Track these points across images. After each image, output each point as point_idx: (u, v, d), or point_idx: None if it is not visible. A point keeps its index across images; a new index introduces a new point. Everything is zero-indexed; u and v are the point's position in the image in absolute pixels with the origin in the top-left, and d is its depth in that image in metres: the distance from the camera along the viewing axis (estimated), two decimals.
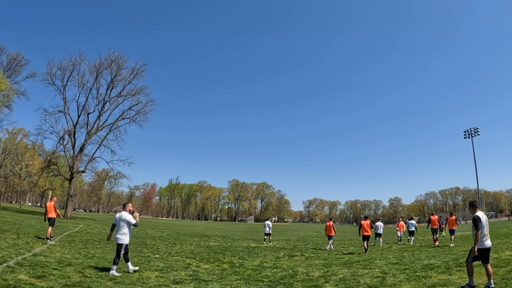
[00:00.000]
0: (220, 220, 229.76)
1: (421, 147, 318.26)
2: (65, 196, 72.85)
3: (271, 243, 32.83)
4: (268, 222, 34.43)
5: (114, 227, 13.72)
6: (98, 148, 69.47)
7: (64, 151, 67.29)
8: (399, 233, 34.80)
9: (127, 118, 71.13)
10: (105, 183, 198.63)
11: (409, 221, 33.83)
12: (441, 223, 36.75)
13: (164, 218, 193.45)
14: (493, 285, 9.98)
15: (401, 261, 17.45)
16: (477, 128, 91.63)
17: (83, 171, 69.31)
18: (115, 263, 13.06)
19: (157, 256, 19.31)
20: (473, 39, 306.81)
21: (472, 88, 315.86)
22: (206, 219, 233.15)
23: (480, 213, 10.48)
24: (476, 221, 10.31)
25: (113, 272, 12.80)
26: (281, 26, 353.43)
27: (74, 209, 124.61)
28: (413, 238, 32.79)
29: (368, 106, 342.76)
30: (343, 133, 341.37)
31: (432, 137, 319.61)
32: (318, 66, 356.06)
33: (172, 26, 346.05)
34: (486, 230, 10.34)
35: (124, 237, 13.36)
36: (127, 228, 13.53)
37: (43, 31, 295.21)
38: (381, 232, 31.38)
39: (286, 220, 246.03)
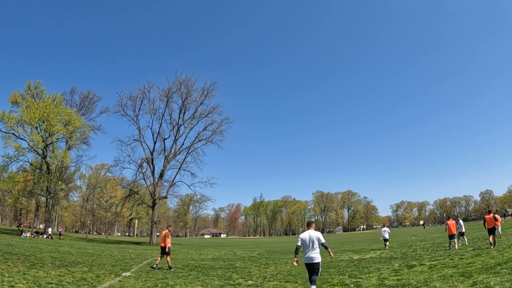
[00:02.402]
0: None
1: (509, 132, 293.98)
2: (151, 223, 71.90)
3: (387, 249, 32.40)
4: (385, 228, 35.17)
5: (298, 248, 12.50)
6: (177, 172, 69.11)
7: (144, 179, 67.25)
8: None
9: (203, 139, 70.28)
10: (190, 208, 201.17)
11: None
12: None
13: (251, 237, 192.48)
14: None
15: None
16: None
17: (165, 197, 68.60)
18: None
19: (250, 283, 16.14)
20: None
21: None
22: (293, 233, 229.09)
23: None
24: None
25: None
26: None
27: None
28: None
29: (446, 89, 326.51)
30: (424, 121, 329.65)
31: None
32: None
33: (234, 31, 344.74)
34: None
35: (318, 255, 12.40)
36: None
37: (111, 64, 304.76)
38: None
39: (375, 227, 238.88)
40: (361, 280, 14.85)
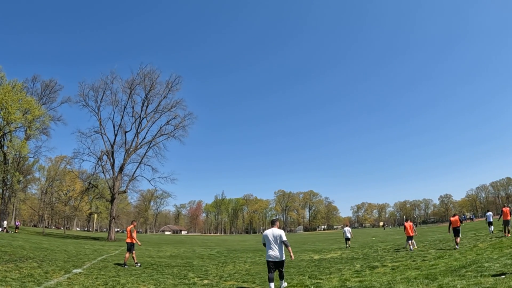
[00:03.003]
0: None
1: (469, 139, 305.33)
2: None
3: (349, 247, 34.50)
4: (347, 228, 36.93)
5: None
6: (138, 166, 66.90)
7: (104, 172, 65.24)
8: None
9: (166, 134, 68.68)
10: (151, 204, 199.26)
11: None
12: None
13: (212, 235, 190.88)
14: None
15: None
16: None
17: (124, 191, 66.80)
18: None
19: (206, 282, 15.35)
20: None
21: None
22: (254, 232, 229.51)
23: None
24: None
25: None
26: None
27: (123, 231, 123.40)
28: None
29: (404, 98, 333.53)
30: (389, 127, 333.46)
31: (482, 128, 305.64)
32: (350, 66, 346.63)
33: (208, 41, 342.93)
34: None
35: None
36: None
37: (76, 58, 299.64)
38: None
39: (335, 227, 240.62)
40: (321, 281, 14.25)
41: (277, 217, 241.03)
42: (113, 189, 62.03)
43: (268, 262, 12.42)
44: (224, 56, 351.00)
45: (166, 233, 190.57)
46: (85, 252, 29.82)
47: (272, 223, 13.14)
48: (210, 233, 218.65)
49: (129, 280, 15.12)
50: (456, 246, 23.53)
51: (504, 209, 27.88)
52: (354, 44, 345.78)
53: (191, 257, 29.74)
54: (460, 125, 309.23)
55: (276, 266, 12.36)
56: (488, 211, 38.72)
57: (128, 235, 21.33)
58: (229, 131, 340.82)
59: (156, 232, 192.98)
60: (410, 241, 26.49)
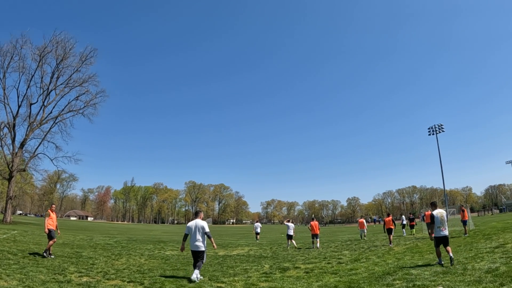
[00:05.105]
0: (177, 223, 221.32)
1: (379, 146, 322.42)
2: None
3: (258, 241, 36.53)
4: (258, 223, 39.66)
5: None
6: (41, 143, 62.03)
7: (1, 146, 58.98)
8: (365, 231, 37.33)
9: (74, 110, 63.61)
10: (57, 186, 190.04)
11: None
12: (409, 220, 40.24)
13: (120, 222, 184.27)
14: (453, 260, 13.22)
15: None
16: (442, 125, 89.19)
17: (23, 170, 61.20)
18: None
19: (84, 280, 12.33)
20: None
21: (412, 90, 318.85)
22: (163, 222, 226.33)
23: (435, 211, 14.19)
24: (431, 217, 14.14)
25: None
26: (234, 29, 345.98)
27: (25, 214, 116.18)
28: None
29: (323, 104, 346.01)
30: (300, 133, 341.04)
31: (390, 136, 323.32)
32: (272, 66, 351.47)
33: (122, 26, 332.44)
34: (440, 223, 13.96)
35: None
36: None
37: None
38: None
39: (244, 221, 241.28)
40: (223, 285, 11.83)
41: (186, 208, 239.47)
42: (12, 166, 56.46)
43: (192, 251, 12.98)
44: (148, 42, 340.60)
45: (72, 218, 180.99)
46: None
47: (196, 214, 13.80)
48: (117, 221, 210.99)
49: None
50: (390, 244, 26.09)
51: (463, 209, 30.11)
52: (274, 48, 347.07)
53: (84, 246, 26.63)
54: (373, 134, 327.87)
55: (197, 256, 12.85)
56: (401, 214, 41.28)
57: (48, 222, 18.71)
58: (147, 120, 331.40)
59: (62, 217, 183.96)
60: (315, 239, 27.31)
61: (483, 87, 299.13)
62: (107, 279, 12.62)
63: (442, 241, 13.85)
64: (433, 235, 14.06)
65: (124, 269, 15.39)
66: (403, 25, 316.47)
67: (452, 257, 13.30)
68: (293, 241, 28.66)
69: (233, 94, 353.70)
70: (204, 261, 13.07)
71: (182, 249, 13.66)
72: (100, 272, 14.21)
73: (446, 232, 13.91)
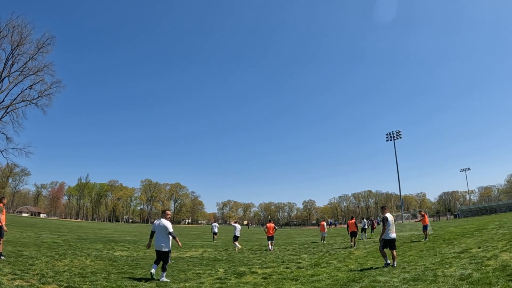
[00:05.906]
0: (132, 222, 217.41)
1: (337, 151, 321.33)
2: None
3: (215, 241, 37.42)
4: (215, 223, 42.55)
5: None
6: None
7: None
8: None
9: (27, 100, 60.48)
10: (9, 181, 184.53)
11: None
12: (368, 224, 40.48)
13: (73, 220, 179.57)
14: (395, 265, 14.34)
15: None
16: (400, 131, 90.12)
17: None
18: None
19: (17, 283, 10.88)
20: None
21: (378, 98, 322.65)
22: (117, 220, 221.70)
23: (388, 215, 15.08)
24: (384, 220, 14.97)
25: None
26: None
27: None
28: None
29: (286, 111, 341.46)
30: (256, 132, 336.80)
31: (347, 142, 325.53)
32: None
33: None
34: (391, 226, 14.85)
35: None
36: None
37: None
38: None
39: (200, 222, 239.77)
40: None
41: (142, 207, 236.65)
42: None
43: (156, 251, 13.07)
44: (101, 29, 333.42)
45: (24, 214, 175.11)
46: None
47: (162, 214, 13.92)
48: (70, 218, 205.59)
49: None
50: (352, 244, 27.57)
51: (423, 213, 30.76)
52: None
53: (28, 244, 24.82)
54: (331, 140, 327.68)
55: (160, 256, 12.92)
56: (363, 218, 43.20)
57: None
58: (101, 115, 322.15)
59: (13, 213, 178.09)
60: (270, 241, 27.42)
61: (439, 97, 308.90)
62: (42, 283, 11.15)
63: (390, 243, 14.76)
64: (381, 238, 14.89)
65: (64, 271, 13.88)
66: (366, 34, 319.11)
67: (395, 265, 14.39)
68: (237, 243, 28.56)
69: (185, 87, 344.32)
70: (169, 262, 13.22)
71: (149, 247, 14.16)
72: (37, 274, 12.70)
73: (394, 235, 14.95)
